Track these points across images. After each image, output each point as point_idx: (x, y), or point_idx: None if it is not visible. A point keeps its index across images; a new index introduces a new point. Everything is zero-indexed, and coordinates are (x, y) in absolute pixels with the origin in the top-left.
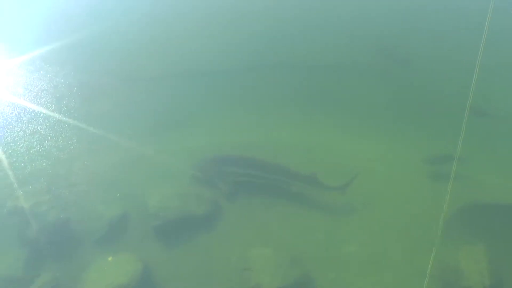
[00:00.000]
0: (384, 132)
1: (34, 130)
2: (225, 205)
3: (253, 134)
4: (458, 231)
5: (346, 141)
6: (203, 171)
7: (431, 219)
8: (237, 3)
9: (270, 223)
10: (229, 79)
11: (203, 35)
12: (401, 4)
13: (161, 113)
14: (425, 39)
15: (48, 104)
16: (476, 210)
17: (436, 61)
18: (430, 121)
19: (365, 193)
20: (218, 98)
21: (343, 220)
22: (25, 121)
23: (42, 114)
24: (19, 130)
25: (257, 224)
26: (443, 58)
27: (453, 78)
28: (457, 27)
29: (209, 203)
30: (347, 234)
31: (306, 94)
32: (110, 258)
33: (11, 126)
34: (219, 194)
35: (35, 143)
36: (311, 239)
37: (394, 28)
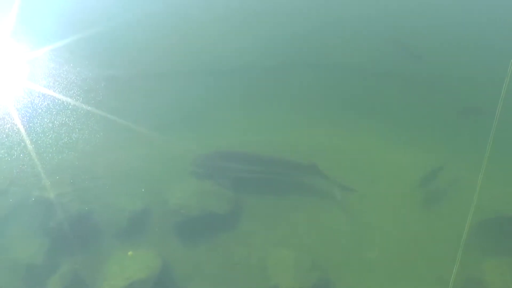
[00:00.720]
0: (404, 135)
1: (63, 122)
2: (247, 205)
3: (275, 133)
4: (482, 242)
5: (363, 142)
6: (202, 166)
7: (455, 229)
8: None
9: (292, 225)
10: (254, 78)
11: (232, 32)
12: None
13: (187, 109)
14: (451, 38)
15: (76, 97)
16: (501, 222)
17: (460, 61)
18: (452, 125)
19: (390, 199)
20: (244, 95)
21: (367, 226)
22: (54, 113)
23: (70, 106)
24: (48, 121)
25: (278, 225)
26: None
27: (477, 80)
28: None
29: (231, 202)
30: (370, 240)
31: (324, 93)
32: (130, 253)
33: (40, 117)
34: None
35: (63, 134)
36: (334, 243)
37: (414, 27)
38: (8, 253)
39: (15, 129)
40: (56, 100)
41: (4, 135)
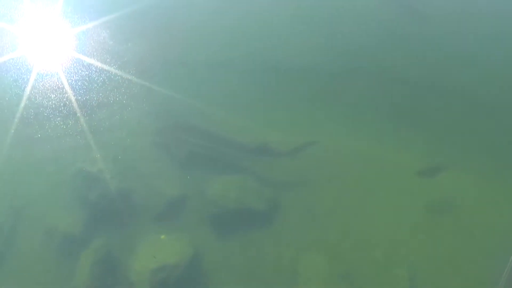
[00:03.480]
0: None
1: (117, 99)
2: (285, 205)
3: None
4: None
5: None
6: (162, 136)
7: (496, 256)
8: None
9: (327, 230)
10: (304, 79)
11: (288, 32)
12: None
13: (243, 100)
14: None
15: (132, 75)
16: None
17: None
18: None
19: (424, 217)
20: (296, 94)
21: (403, 242)
22: (109, 89)
23: (125, 84)
24: (103, 96)
25: (313, 229)
26: None
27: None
28: None
29: (269, 200)
30: (404, 257)
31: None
32: (163, 237)
33: (96, 92)
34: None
35: (116, 111)
36: (367, 256)
37: None
38: (46, 219)
39: (72, 99)
40: (112, 77)
41: (62, 104)
